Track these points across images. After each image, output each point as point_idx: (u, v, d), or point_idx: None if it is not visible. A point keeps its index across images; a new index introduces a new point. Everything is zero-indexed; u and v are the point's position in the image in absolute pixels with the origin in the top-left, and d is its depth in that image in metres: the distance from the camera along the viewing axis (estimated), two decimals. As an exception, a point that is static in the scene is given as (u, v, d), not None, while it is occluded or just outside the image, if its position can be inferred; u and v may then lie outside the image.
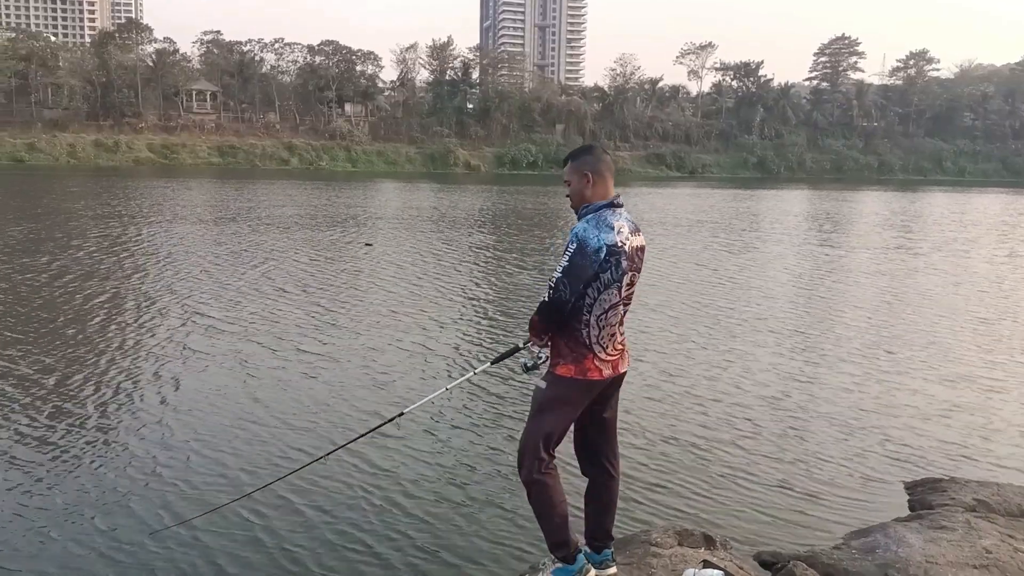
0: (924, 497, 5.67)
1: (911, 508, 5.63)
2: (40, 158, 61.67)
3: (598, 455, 3.96)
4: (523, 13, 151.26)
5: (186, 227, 21.46)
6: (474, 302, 12.95)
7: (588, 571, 3.84)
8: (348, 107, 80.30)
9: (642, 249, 3.77)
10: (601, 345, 3.70)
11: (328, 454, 5.45)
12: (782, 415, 7.74)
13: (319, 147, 73.16)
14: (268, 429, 7.15)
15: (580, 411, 3.75)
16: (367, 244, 18.97)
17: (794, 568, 4.34)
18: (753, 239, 23.08)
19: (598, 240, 3.55)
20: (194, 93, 77.04)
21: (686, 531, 4.56)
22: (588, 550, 4.17)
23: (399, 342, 10.21)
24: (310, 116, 78.71)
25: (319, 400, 7.99)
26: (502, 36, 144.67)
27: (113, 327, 10.75)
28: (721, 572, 3.81)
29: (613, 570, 4.13)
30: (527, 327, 3.82)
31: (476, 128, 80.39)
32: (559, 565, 3.84)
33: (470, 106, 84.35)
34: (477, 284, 14.63)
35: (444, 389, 4.51)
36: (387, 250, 18.29)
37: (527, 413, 3.79)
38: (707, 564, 3.93)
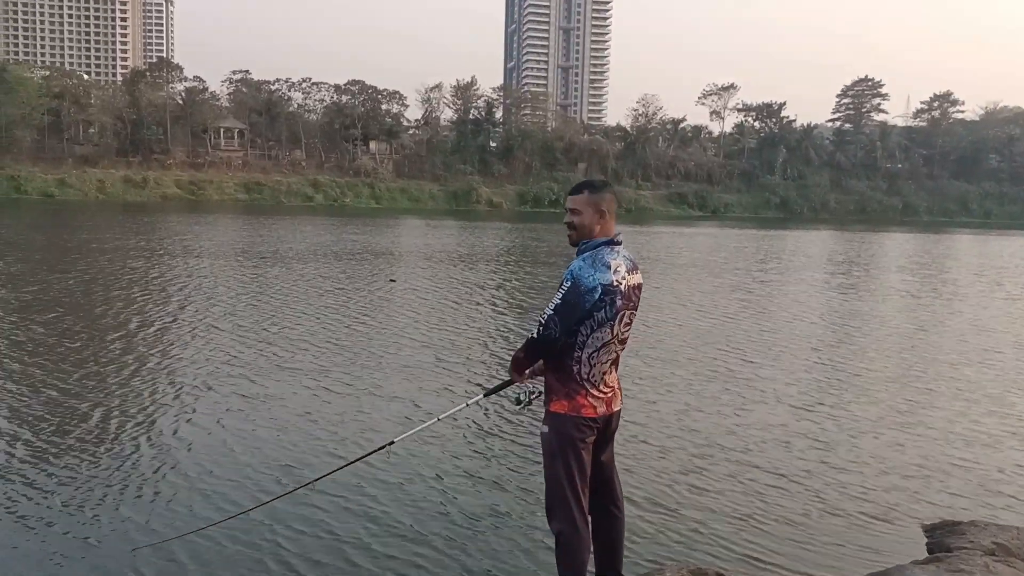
0: (942, 539, 5.60)
1: (929, 550, 5.55)
2: (70, 193, 62.80)
3: (602, 499, 3.97)
4: (546, 54, 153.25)
5: (212, 261, 21.76)
6: (486, 336, 13.03)
7: None
8: (373, 145, 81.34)
9: (639, 287, 3.81)
10: (592, 382, 3.73)
11: (318, 479, 5.51)
12: (796, 454, 7.67)
13: (344, 184, 73.99)
14: (261, 452, 7.27)
15: (590, 445, 3.77)
16: (391, 280, 19.16)
17: (808, 608, 4.31)
18: (773, 278, 23.04)
19: (593, 279, 3.59)
20: (222, 130, 78.39)
21: (699, 570, 4.54)
22: (600, 586, 4.18)
23: (404, 372, 10.34)
24: (335, 154, 79.77)
25: (318, 425, 8.13)
26: (525, 76, 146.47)
27: (141, 350, 10.97)
28: (733, 610, 3.81)
29: (625, 607, 4.12)
30: (511, 362, 3.84)
31: (499, 166, 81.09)
32: None
33: (493, 144, 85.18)
34: (491, 318, 14.75)
35: (435, 419, 4.54)
36: (409, 285, 18.44)
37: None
38: (720, 602, 3.92)
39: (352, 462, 5.18)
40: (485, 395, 4.37)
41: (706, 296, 18.43)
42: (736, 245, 35.88)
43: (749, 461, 7.34)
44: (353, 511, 6.11)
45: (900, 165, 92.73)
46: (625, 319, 3.78)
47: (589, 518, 3.88)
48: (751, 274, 23.75)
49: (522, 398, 4.08)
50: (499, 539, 5.62)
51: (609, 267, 3.63)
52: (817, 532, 5.91)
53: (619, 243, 3.76)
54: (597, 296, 3.60)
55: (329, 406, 8.92)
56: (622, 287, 3.68)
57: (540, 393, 4.05)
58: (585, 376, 3.72)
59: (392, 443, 4.56)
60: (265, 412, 8.62)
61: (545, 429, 3.80)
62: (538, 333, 3.66)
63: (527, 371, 3.91)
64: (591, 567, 4.01)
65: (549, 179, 78.38)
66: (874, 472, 7.22)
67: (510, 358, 3.91)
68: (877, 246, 39.54)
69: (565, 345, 3.69)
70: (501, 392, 4.26)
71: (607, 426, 3.89)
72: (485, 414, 8.66)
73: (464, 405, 4.53)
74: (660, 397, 9.48)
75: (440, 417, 4.59)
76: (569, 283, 3.62)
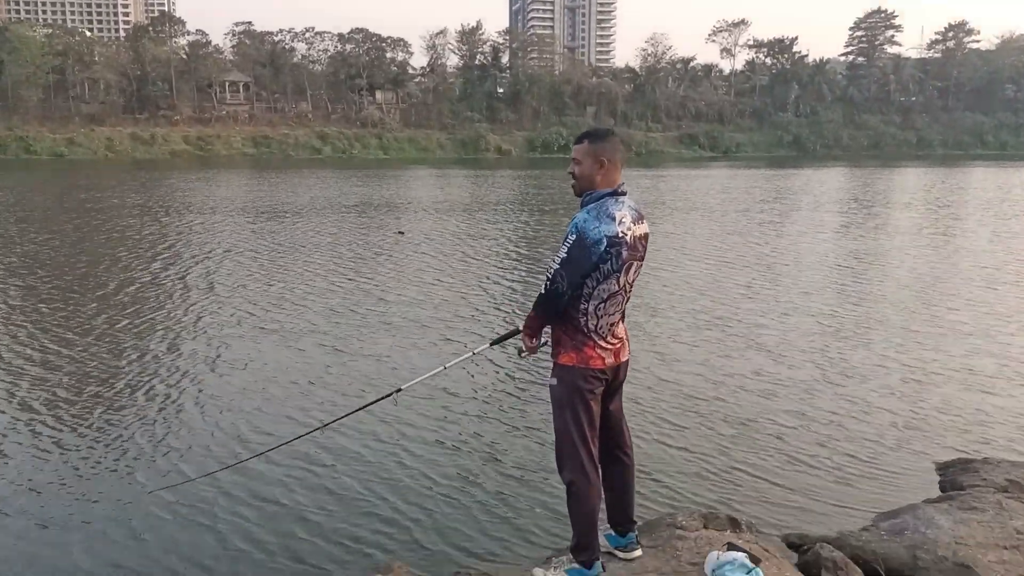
0: (955, 478, 5.61)
1: (942, 489, 5.57)
2: (79, 152, 62.68)
3: (611, 446, 3.97)
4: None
5: (223, 217, 21.73)
6: (494, 287, 13.00)
7: None
8: (379, 95, 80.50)
9: (645, 237, 3.73)
10: (600, 334, 3.69)
11: (325, 426, 5.59)
12: (809, 397, 7.67)
13: (351, 135, 73.43)
14: (274, 399, 7.50)
15: (598, 396, 3.76)
16: (399, 232, 19.09)
17: (820, 550, 4.33)
18: (787, 219, 22.81)
19: (598, 232, 3.51)
20: (227, 84, 77.70)
21: (712, 514, 4.56)
22: (613, 533, 4.21)
23: (411, 323, 10.42)
24: (341, 104, 79.00)
25: (328, 373, 8.32)
26: (531, 19, 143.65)
27: (152, 306, 11.14)
28: (745, 555, 3.83)
29: (638, 553, 4.16)
30: (524, 324, 3.79)
31: (507, 112, 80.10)
32: (575, 566, 3.85)
33: (500, 91, 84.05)
34: (500, 269, 14.68)
35: (442, 367, 4.50)
36: (418, 237, 18.38)
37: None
38: (732, 546, 3.94)
39: (360, 408, 5.19)
40: (491, 344, 4.34)
41: (703, 241, 18.19)
42: (743, 186, 35.44)
43: (757, 408, 7.33)
44: (360, 456, 6.22)
45: (914, 98, 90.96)
46: (632, 270, 3.73)
47: (599, 467, 3.91)
48: (753, 216, 23.43)
49: (524, 349, 4.08)
50: (510, 489, 5.66)
51: (614, 218, 3.54)
52: (828, 474, 5.93)
53: (624, 193, 3.67)
54: (603, 248, 3.52)
55: (337, 356, 9.04)
56: (628, 238, 3.60)
57: (545, 342, 4.04)
58: (593, 328, 3.68)
59: (399, 390, 4.60)
60: (272, 362, 8.77)
61: (554, 381, 3.78)
62: (546, 289, 3.61)
63: (539, 335, 3.84)
64: (603, 514, 4.05)
65: (558, 124, 77.42)
66: (883, 415, 7.22)
67: (522, 314, 3.89)
68: (887, 183, 39.01)
69: (572, 297, 3.63)
70: (507, 342, 4.26)
71: (615, 376, 3.86)
72: (492, 364, 8.69)
73: (470, 355, 4.49)
74: (665, 346, 9.46)
75: (446, 366, 4.54)
76: (574, 236, 3.54)
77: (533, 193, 30.54)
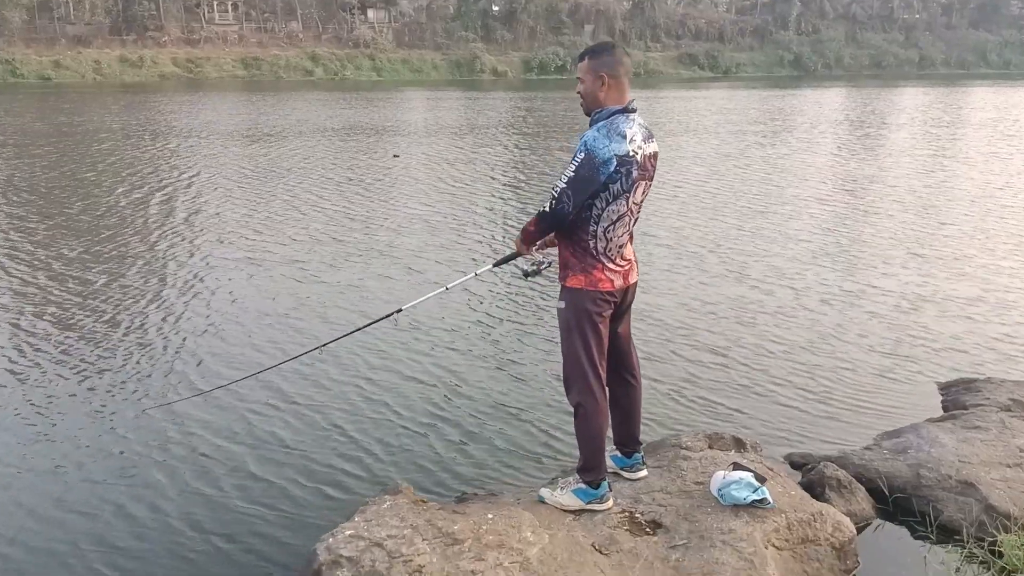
0: (958, 397, 5.65)
1: (944, 409, 5.62)
2: (66, 75, 61.33)
3: (618, 367, 3.97)
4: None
5: (209, 141, 21.27)
6: (491, 208, 12.90)
7: (607, 499, 3.89)
8: (371, 13, 78.52)
9: (655, 156, 3.65)
10: (609, 256, 3.64)
11: (324, 345, 5.57)
12: (811, 320, 7.67)
13: (343, 56, 71.85)
14: (267, 324, 7.48)
15: (607, 319, 3.72)
16: (395, 156, 18.81)
17: (824, 469, 4.39)
18: (787, 141, 22.51)
19: (608, 150, 3.42)
20: (215, 3, 75.65)
21: (716, 435, 4.61)
22: (619, 454, 4.24)
23: (410, 246, 10.35)
24: (333, 24, 77.03)
25: (326, 295, 8.31)
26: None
27: (129, 232, 10.94)
28: (751, 474, 3.85)
29: (644, 473, 4.20)
30: (521, 231, 3.78)
31: (502, 32, 78.23)
32: (582, 486, 3.88)
33: (495, 8, 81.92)
34: (496, 190, 14.54)
35: (444, 288, 4.49)
36: (413, 161, 18.11)
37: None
38: (737, 466, 3.97)
39: (360, 328, 5.21)
40: (494, 265, 4.32)
41: (693, 164, 17.89)
42: (740, 107, 34.79)
43: (757, 333, 7.32)
44: (360, 380, 6.22)
45: (917, 15, 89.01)
46: (641, 190, 3.65)
47: (607, 390, 3.91)
48: (747, 138, 23.01)
49: (528, 270, 4.02)
50: (516, 411, 5.68)
51: (625, 137, 3.45)
52: (830, 395, 5.96)
53: (634, 110, 3.57)
54: (612, 168, 3.44)
55: (336, 276, 9.01)
56: (638, 157, 3.52)
57: (549, 264, 4.00)
58: (601, 250, 3.62)
59: (399, 311, 4.62)
60: (275, 282, 8.76)
61: (562, 305, 3.74)
62: (550, 207, 3.54)
63: (536, 244, 3.84)
64: (609, 435, 4.07)
65: (555, 44, 75.68)
66: (883, 338, 7.21)
67: (520, 230, 3.83)
68: (886, 103, 38.35)
69: (580, 219, 3.58)
70: (511, 262, 4.22)
71: (624, 299, 3.83)
72: (496, 285, 8.69)
73: (472, 275, 4.49)
74: (661, 272, 9.42)
75: (448, 287, 4.53)
76: (583, 154, 3.46)
77: (530, 116, 30.02)
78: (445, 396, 5.92)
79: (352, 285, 8.69)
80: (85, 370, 6.36)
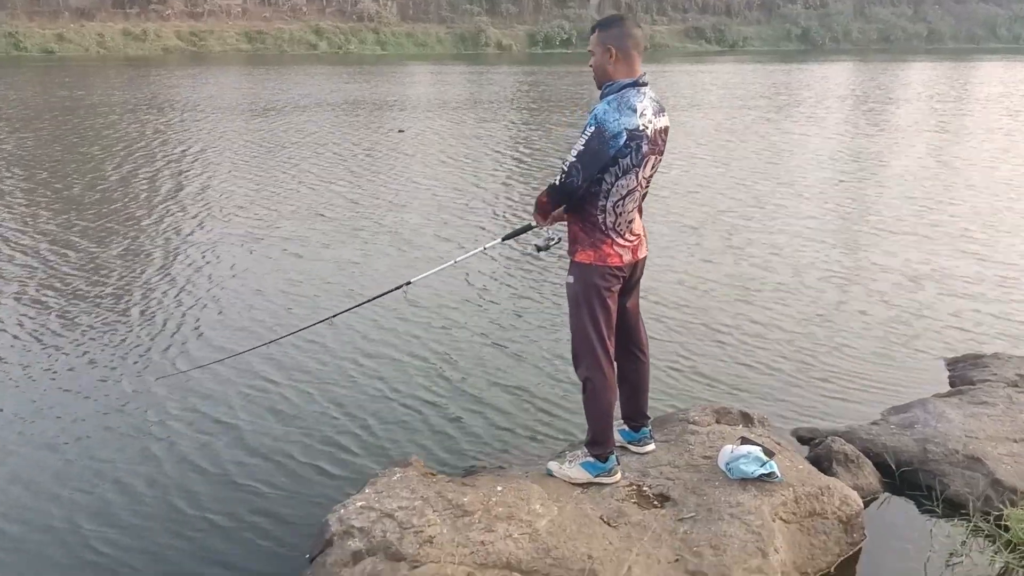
0: (965, 373, 5.66)
1: (951, 384, 5.63)
2: (69, 49, 61.04)
3: (626, 343, 3.98)
4: None
5: (217, 115, 21.18)
6: (497, 183, 12.85)
7: (615, 473, 3.91)
8: (375, -14, 77.99)
9: (665, 131, 3.64)
10: (618, 231, 3.65)
11: (335, 316, 5.59)
12: (817, 296, 7.66)
13: (347, 30, 71.34)
14: (276, 295, 7.52)
15: (615, 293, 3.73)
16: (399, 131, 18.73)
17: (832, 443, 4.41)
18: (792, 117, 22.34)
19: (618, 124, 3.40)
20: (218, -24, 75.18)
21: (724, 409, 4.62)
22: (627, 428, 4.26)
23: (418, 220, 10.34)
24: (337, -3, 76.67)
25: (332, 270, 8.32)
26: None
27: (143, 207, 10.91)
28: (759, 448, 3.87)
29: (651, 447, 4.22)
30: (534, 206, 3.78)
31: (507, 5, 77.55)
32: (590, 459, 3.91)
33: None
34: (503, 165, 14.45)
35: (452, 262, 4.54)
36: (419, 136, 18.02)
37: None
38: (745, 440, 3.99)
39: (369, 300, 5.20)
40: (503, 239, 4.32)
41: (696, 139, 17.78)
42: (746, 82, 34.44)
43: (763, 309, 7.30)
44: (369, 352, 6.25)
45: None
46: (651, 164, 3.63)
47: (615, 364, 3.92)
48: (750, 113, 22.78)
49: (540, 244, 4.03)
50: (525, 385, 5.70)
51: (635, 110, 3.43)
52: (836, 371, 5.96)
53: (645, 84, 3.55)
54: (622, 142, 3.42)
55: (342, 251, 9.01)
56: (648, 131, 3.50)
57: (560, 239, 4.01)
58: (611, 225, 3.62)
59: (409, 283, 4.62)
60: (280, 257, 8.76)
61: (570, 279, 3.75)
62: (560, 181, 3.54)
63: (550, 216, 3.81)
64: (618, 411, 4.09)
65: (560, 17, 74.96)
66: (889, 313, 7.19)
67: (533, 202, 3.82)
68: (892, 78, 37.93)
69: (589, 194, 3.58)
70: (519, 237, 4.21)
71: (633, 274, 3.84)
72: (503, 260, 8.69)
73: (482, 249, 4.53)
74: (669, 248, 9.44)
75: (457, 260, 4.57)
76: (592, 128, 3.44)
77: (535, 90, 29.80)
78: (452, 370, 5.93)
79: (358, 260, 8.69)
80: (84, 344, 6.34)
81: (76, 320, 6.86)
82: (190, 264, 8.52)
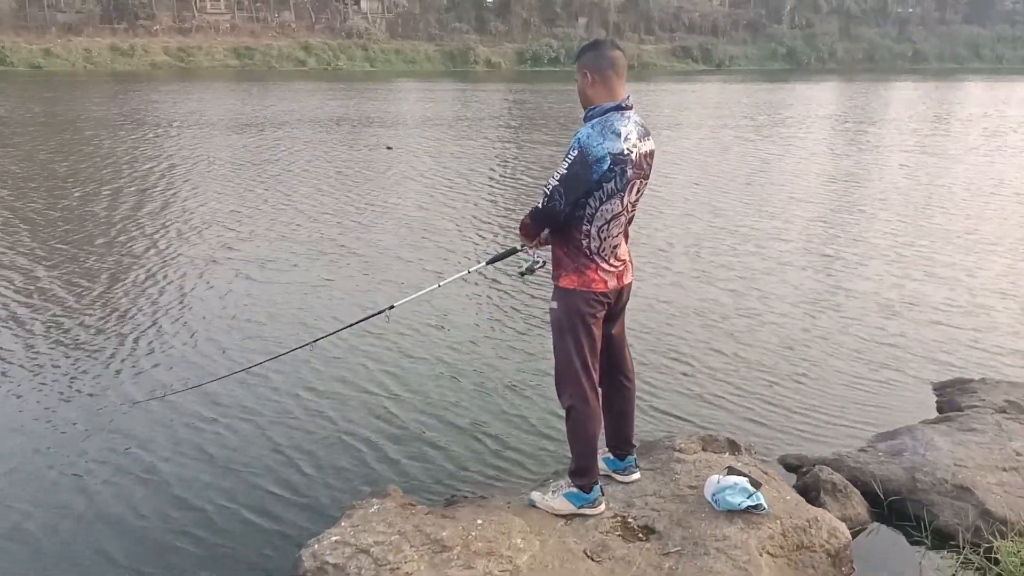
0: (953, 399, 5.60)
1: (939, 410, 5.57)
2: (56, 64, 60.86)
3: (611, 369, 3.91)
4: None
5: (198, 131, 21.03)
6: (485, 204, 12.78)
7: (599, 504, 3.83)
8: (364, 3, 78.13)
9: (651, 155, 3.58)
10: (602, 256, 3.59)
11: (315, 341, 5.53)
12: (804, 320, 7.59)
13: (335, 46, 71.46)
14: (252, 320, 7.36)
15: (600, 320, 3.66)
16: (388, 147, 18.69)
17: (819, 472, 4.33)
18: (774, 137, 22.43)
19: (602, 148, 3.35)
20: (207, -8, 75.23)
21: (710, 437, 4.54)
22: (612, 457, 4.17)
23: (403, 242, 10.22)
24: (326, 14, 76.61)
25: (314, 292, 8.19)
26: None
27: (126, 224, 10.75)
28: (746, 479, 3.79)
29: (636, 476, 4.14)
30: (518, 228, 3.75)
31: (496, 23, 77.96)
32: (573, 490, 3.83)
33: (489, 0, 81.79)
34: (491, 184, 14.40)
35: (437, 285, 4.49)
36: (406, 153, 18.00)
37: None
38: (731, 470, 3.90)
39: (351, 324, 5.14)
40: (488, 263, 4.24)
41: (681, 158, 17.78)
42: (732, 100, 34.69)
43: (747, 334, 7.24)
44: (348, 378, 6.13)
45: (911, 10, 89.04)
46: (636, 189, 3.57)
47: (600, 391, 3.84)
48: (736, 132, 22.87)
49: (525, 269, 3.98)
50: (506, 413, 5.61)
51: (619, 134, 3.37)
52: (822, 396, 5.90)
53: (629, 107, 3.49)
54: (606, 166, 3.37)
55: (326, 272, 8.89)
56: (633, 156, 3.44)
57: (544, 263, 3.94)
58: (595, 250, 3.56)
59: (392, 307, 4.50)
60: (261, 281, 8.59)
61: (554, 305, 3.68)
62: (543, 204, 3.49)
63: (535, 239, 3.76)
64: (602, 438, 4.01)
65: (548, 36, 75.50)
66: (875, 338, 7.13)
67: (518, 225, 3.77)
68: (877, 97, 38.26)
69: (573, 218, 3.52)
70: (505, 261, 4.16)
71: (618, 299, 3.76)
72: (487, 284, 8.59)
73: (466, 272, 4.47)
74: (652, 272, 9.38)
75: (441, 283, 4.53)
76: (576, 152, 3.39)
77: (525, 108, 29.89)
78: (433, 397, 5.83)
79: (343, 282, 8.59)
80: (23, 374, 6.09)
81: (11, 349, 6.57)
82: (170, 286, 8.36)
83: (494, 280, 8.70)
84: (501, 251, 4.14)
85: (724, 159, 18.01)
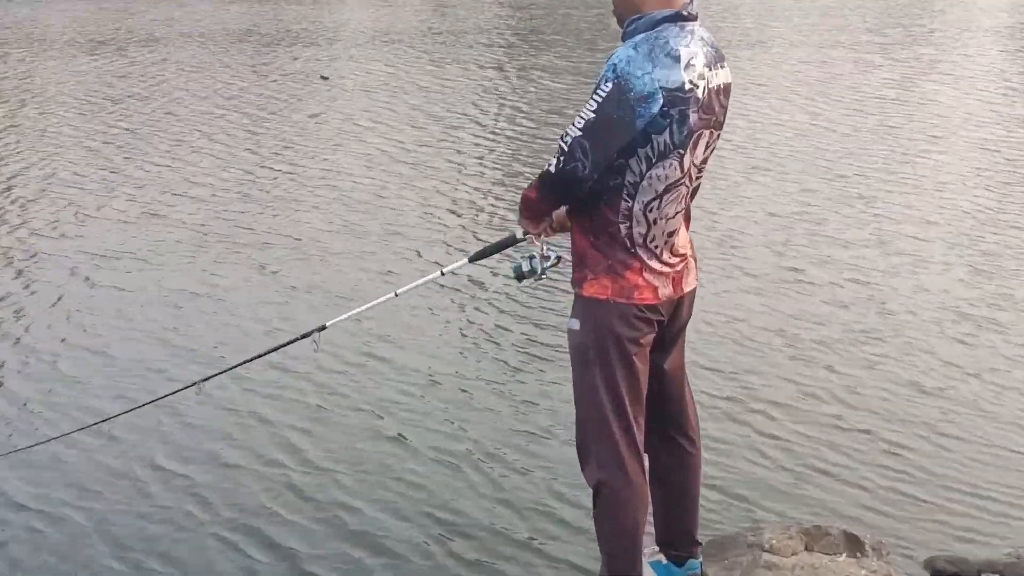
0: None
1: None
2: None
3: (665, 425, 3.87)
4: None
5: (35, 50, 21.05)
6: (467, 165, 12.75)
7: None
8: None
9: (726, 91, 3.55)
10: (651, 249, 3.53)
11: (205, 380, 5.35)
12: (952, 348, 7.52)
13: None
14: (107, 344, 7.50)
15: (646, 347, 3.61)
16: (322, 77, 18.69)
17: (988, 583, 4.31)
18: (919, 60, 22.04)
19: (650, 79, 3.26)
20: None
21: (817, 529, 4.53)
22: (664, 560, 4.14)
23: (345, 226, 10.27)
24: None
25: (196, 300, 8.30)
26: None
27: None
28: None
29: (703, 590, 4.11)
30: (519, 206, 3.76)
31: None
32: None
33: None
34: (474, 137, 14.33)
35: (392, 295, 4.48)
36: (349, 85, 17.98)
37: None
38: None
39: (261, 355, 5.11)
40: (471, 260, 4.24)
41: (754, 97, 17.31)
42: (843, 2, 34.65)
43: (866, 365, 7.21)
44: (239, 431, 6.24)
45: None
46: (705, 143, 3.51)
47: (646, 458, 3.80)
48: (849, 52, 22.38)
49: (525, 268, 3.90)
50: (501, 488, 5.59)
51: (677, 59, 3.28)
52: (986, 466, 5.89)
53: (693, 18, 3.41)
54: (657, 108, 3.25)
55: (222, 270, 8.95)
56: (699, 91, 3.35)
57: (558, 260, 3.91)
58: (640, 240, 3.48)
59: (322, 328, 4.50)
60: (110, 285, 8.64)
61: (575, 325, 3.62)
62: (557, 167, 3.40)
63: (544, 221, 3.73)
64: (650, 531, 3.97)
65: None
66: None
67: (518, 199, 3.73)
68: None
69: (606, 190, 3.44)
70: (497, 256, 4.17)
71: (674, 317, 3.73)
72: (473, 293, 8.54)
73: (438, 275, 4.40)
74: (725, 272, 9.22)
75: (398, 292, 4.50)
76: (610, 85, 3.28)
77: (529, 16, 29.68)
78: (371, 467, 5.81)
79: (245, 287, 8.61)
80: None
81: None
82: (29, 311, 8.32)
83: (478, 286, 8.65)
84: (490, 242, 4.11)
85: (833, 96, 17.64)
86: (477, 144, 14.09)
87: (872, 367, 7.23)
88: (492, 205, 11.09)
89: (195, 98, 16.73)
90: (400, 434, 6.18)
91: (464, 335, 7.74)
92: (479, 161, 13.13)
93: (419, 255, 9.37)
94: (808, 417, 6.48)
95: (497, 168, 12.90)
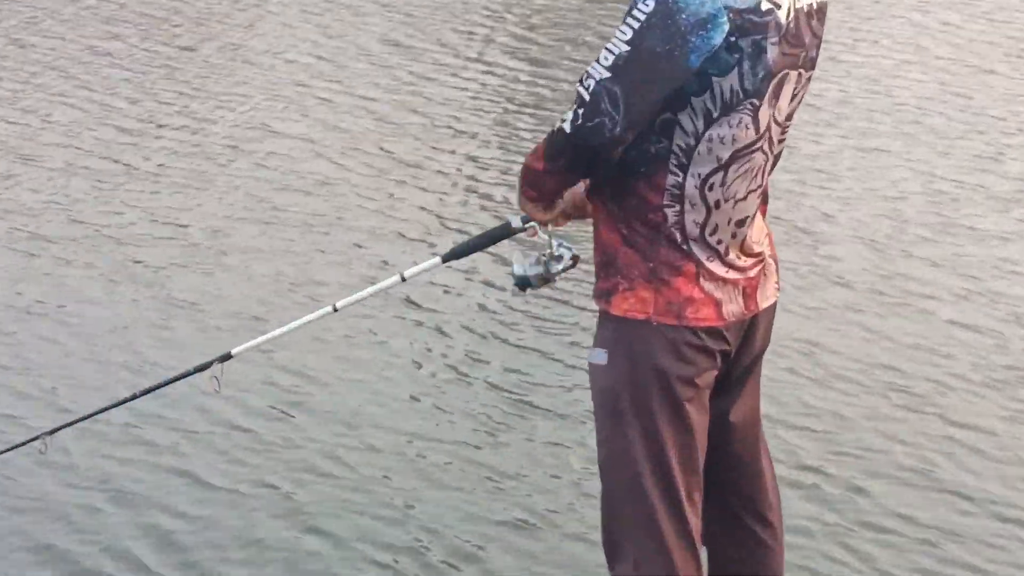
0: None
1: None
2: None
3: (728, 501, 3.73)
4: None
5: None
6: (438, 127, 12.63)
7: None
8: None
9: (820, 13, 3.14)
10: (712, 245, 3.22)
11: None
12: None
13: None
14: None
15: (703, 389, 3.35)
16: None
17: None
18: None
19: None
20: None
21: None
22: None
23: (267, 213, 10.28)
24: None
25: (83, 325, 8.39)
26: None
27: None
28: None
29: None
30: (519, 180, 3.42)
31: None
32: None
33: None
34: (445, 90, 14.15)
35: (329, 309, 4.53)
36: (290, 16, 17.96)
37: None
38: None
39: (130, 399, 5.28)
40: (443, 261, 4.01)
41: (852, 36, 16.81)
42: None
43: (1006, 417, 7.01)
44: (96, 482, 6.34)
45: None
46: (790, 91, 3.16)
47: (704, 553, 3.60)
48: None
49: (530, 271, 3.64)
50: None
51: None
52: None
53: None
54: (720, 37, 2.90)
55: (88, 277, 9.00)
56: (780, 14, 2.97)
57: (573, 260, 3.67)
58: (696, 232, 3.16)
59: (228, 357, 4.60)
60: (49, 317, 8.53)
61: (601, 358, 3.26)
62: (574, 123, 2.99)
63: (555, 205, 3.48)
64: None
65: None
66: None
67: (510, 202, 3.63)
68: None
69: (645, 157, 3.08)
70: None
71: (745, 344, 3.38)
72: (454, 303, 8.22)
73: (397, 279, 4.29)
74: (809, 284, 8.96)
75: (339, 305, 4.42)
76: (651, 4, 2.89)
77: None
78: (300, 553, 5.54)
79: (123, 306, 8.51)
80: None
81: None
82: None
83: (456, 295, 8.37)
84: (476, 234, 4.10)
85: (971, 31, 16.91)
86: (455, 94, 13.86)
87: (1011, 416, 6.99)
88: (474, 180, 10.72)
89: (95, 43, 16.38)
90: (315, 526, 6.00)
91: (427, 372, 7.26)
92: (458, 117, 12.83)
93: (369, 253, 9.20)
94: (924, 497, 6.20)
95: (484, 126, 12.51)
